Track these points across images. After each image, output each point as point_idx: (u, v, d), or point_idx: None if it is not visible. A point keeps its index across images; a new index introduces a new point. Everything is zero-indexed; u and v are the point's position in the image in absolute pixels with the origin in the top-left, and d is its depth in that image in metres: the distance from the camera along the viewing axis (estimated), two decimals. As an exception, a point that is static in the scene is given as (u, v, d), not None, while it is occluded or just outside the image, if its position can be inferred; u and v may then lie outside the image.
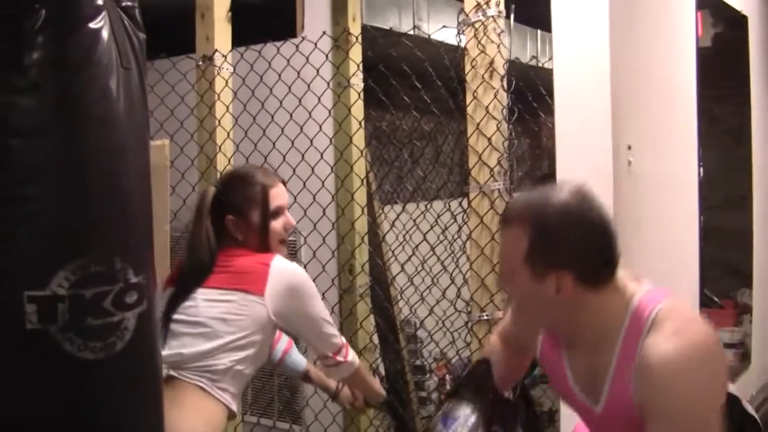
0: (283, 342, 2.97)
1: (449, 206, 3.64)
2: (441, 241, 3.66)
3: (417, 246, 3.73)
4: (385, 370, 4.35)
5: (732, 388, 1.98)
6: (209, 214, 2.55)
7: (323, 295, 3.68)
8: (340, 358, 2.64)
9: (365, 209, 3.86)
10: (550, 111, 3.19)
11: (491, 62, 3.12)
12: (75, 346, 1.67)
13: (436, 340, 3.62)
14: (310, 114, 3.72)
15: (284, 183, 2.66)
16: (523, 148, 4.33)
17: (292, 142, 3.74)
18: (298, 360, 3.01)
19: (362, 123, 3.78)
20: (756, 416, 2.06)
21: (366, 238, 3.86)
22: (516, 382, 2.46)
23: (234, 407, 2.44)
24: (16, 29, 1.60)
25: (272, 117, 3.81)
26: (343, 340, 2.67)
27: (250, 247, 2.53)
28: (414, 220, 3.78)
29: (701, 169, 4.22)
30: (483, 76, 3.11)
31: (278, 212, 2.57)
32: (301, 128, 3.72)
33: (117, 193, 1.75)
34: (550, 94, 3.15)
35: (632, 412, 1.83)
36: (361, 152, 3.77)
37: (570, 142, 3.07)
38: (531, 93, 3.41)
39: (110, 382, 1.76)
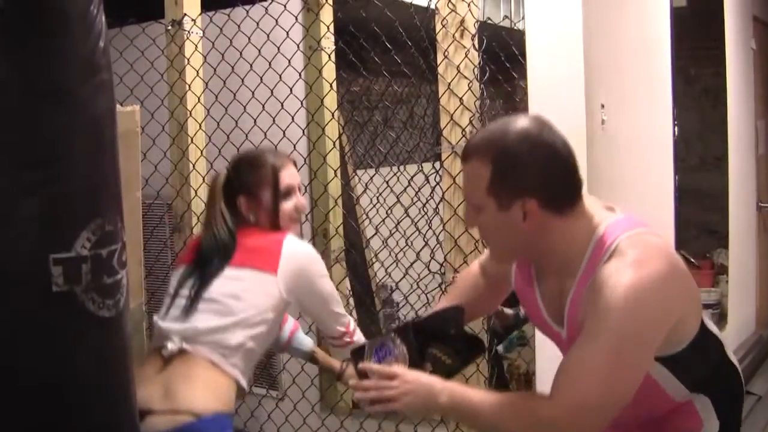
0: (290, 323, 3.00)
1: (422, 168, 3.62)
2: (414, 203, 3.65)
3: (391, 209, 3.71)
4: (362, 334, 4.35)
5: (714, 328, 1.99)
6: (222, 196, 2.61)
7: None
8: (347, 339, 2.70)
9: (338, 172, 3.83)
10: (523, 73, 3.17)
11: (462, 21, 3.10)
12: (96, 305, 1.71)
13: (411, 302, 3.61)
14: (280, 77, 3.69)
15: (295, 164, 2.71)
16: (497, 109, 4.29)
17: (263, 106, 3.72)
18: (305, 341, 3.06)
19: (333, 85, 3.75)
20: (736, 363, 2.07)
21: (340, 201, 3.84)
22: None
23: (244, 383, 2.47)
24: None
25: (243, 81, 3.78)
26: (351, 319, 2.74)
27: (262, 226, 2.60)
28: (387, 183, 3.76)
29: (676, 129, 4.22)
30: (454, 36, 3.10)
31: (289, 192, 2.63)
32: (272, 91, 3.69)
33: (116, 154, 1.79)
34: (523, 55, 3.13)
35: None
36: (333, 114, 3.74)
37: (543, 101, 3.05)
38: (504, 54, 3.39)
39: (119, 338, 1.81)
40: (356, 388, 2.02)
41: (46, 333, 1.67)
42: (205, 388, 2.36)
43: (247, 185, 2.61)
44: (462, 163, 1.95)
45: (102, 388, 1.78)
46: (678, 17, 4.34)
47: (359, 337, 2.73)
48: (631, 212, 1.99)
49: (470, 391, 1.93)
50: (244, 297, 2.43)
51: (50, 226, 1.65)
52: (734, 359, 2.08)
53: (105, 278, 1.72)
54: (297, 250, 2.53)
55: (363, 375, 2.04)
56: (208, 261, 2.52)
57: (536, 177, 1.82)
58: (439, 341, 2.17)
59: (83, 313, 1.69)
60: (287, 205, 2.62)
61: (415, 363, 2.08)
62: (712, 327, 1.99)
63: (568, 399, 1.77)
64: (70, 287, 1.66)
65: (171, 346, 2.38)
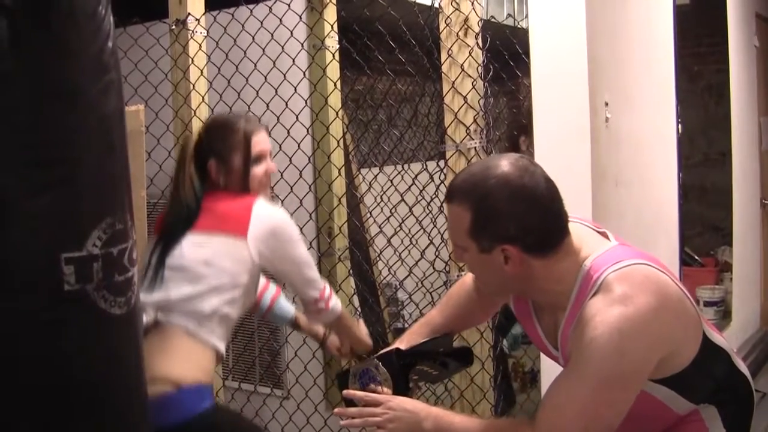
0: (272, 290, 2.99)
1: (426, 166, 3.62)
2: (419, 201, 3.65)
3: (395, 207, 3.72)
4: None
5: (721, 340, 1.98)
6: (192, 160, 2.58)
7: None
8: (321, 305, 2.64)
9: (342, 171, 3.84)
10: (526, 71, 3.17)
11: (466, 20, 3.09)
12: (107, 303, 1.73)
13: (416, 301, 3.61)
14: (284, 76, 3.69)
15: (267, 130, 2.69)
16: (500, 107, 4.30)
17: (267, 105, 3.71)
18: (287, 308, 3.02)
19: (337, 84, 3.76)
20: (744, 371, 2.05)
21: (344, 200, 3.84)
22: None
23: (222, 349, 2.46)
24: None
25: (247, 80, 3.78)
26: (327, 285, 2.68)
27: (232, 191, 2.56)
28: (392, 181, 3.77)
29: (680, 126, 4.22)
30: (457, 34, 3.09)
31: (260, 158, 2.60)
32: (276, 91, 3.69)
33: (125, 153, 1.81)
34: (527, 53, 3.13)
35: None
36: (337, 113, 3.74)
37: (547, 98, 3.06)
38: (507, 52, 3.39)
39: (130, 336, 1.84)
40: (341, 414, 2.05)
41: (58, 331, 1.68)
42: (183, 359, 2.36)
43: (219, 149, 2.58)
44: (446, 202, 1.95)
45: (113, 385, 1.79)
46: (681, 14, 4.34)
47: (335, 304, 2.69)
48: (624, 239, 1.99)
49: (455, 417, 1.97)
50: (214, 263, 2.41)
51: (61, 225, 1.66)
52: (742, 366, 2.05)
53: (116, 276, 1.73)
54: (267, 214, 2.49)
55: (348, 402, 2.07)
56: (172, 227, 2.50)
57: (515, 226, 1.81)
58: (426, 360, 2.19)
59: (95, 311, 1.70)
60: (258, 170, 2.60)
61: (400, 388, 2.09)
62: (717, 339, 1.96)
63: (549, 430, 1.80)
64: (82, 286, 1.67)
65: (146, 318, 2.35)
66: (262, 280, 2.86)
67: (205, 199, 2.53)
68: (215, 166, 2.57)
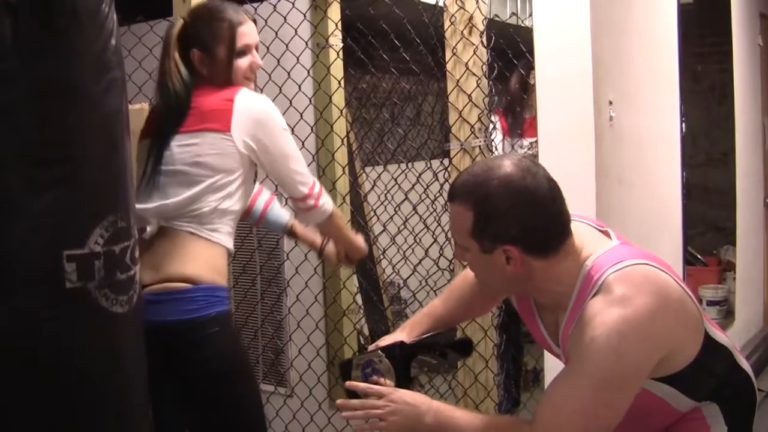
0: (264, 195, 2.91)
1: (430, 165, 3.63)
2: (422, 200, 3.65)
3: (399, 206, 3.72)
4: (370, 331, 4.36)
5: (723, 338, 1.98)
6: (176, 47, 2.49)
7: (305, 256, 3.69)
8: (311, 201, 2.54)
9: (346, 169, 3.84)
10: (530, 70, 3.17)
11: (470, 18, 3.10)
12: (109, 301, 1.74)
13: (420, 299, 3.61)
14: (288, 74, 3.69)
15: (255, 22, 2.58)
16: (503, 106, 4.30)
17: (272, 103, 3.71)
18: (280, 213, 2.94)
19: (341, 83, 3.76)
20: (747, 369, 2.05)
21: (348, 198, 3.85)
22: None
23: (229, 245, 2.43)
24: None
25: (251, 78, 3.76)
26: (317, 182, 2.58)
27: (216, 83, 2.47)
28: (396, 180, 3.77)
29: (684, 125, 4.21)
30: (462, 33, 3.10)
31: (245, 51, 2.50)
32: (280, 89, 3.69)
33: (128, 151, 1.83)
34: (531, 52, 3.13)
35: None
36: (341, 112, 3.74)
37: (551, 97, 3.05)
38: (512, 52, 3.39)
39: (131, 334, 1.85)
40: (343, 407, 2.04)
41: (59, 329, 1.68)
42: (196, 259, 2.34)
43: (203, 38, 2.47)
44: (448, 202, 1.95)
45: (115, 383, 1.80)
46: (684, 14, 4.33)
47: (326, 201, 2.58)
48: (626, 237, 1.99)
49: (456, 411, 1.96)
50: (204, 162, 2.36)
51: (63, 222, 1.67)
52: (745, 365, 2.05)
53: (118, 274, 1.74)
54: (250, 104, 2.41)
55: (350, 392, 2.07)
56: (162, 125, 2.43)
57: (517, 226, 1.82)
58: (427, 352, 2.20)
59: (96, 309, 1.71)
60: (243, 63, 2.49)
61: (402, 381, 2.10)
62: (719, 336, 1.96)
63: (547, 429, 1.81)
64: (84, 284, 1.68)
65: (150, 228, 2.34)
66: (256, 186, 2.76)
67: (193, 94, 2.44)
68: (199, 56, 2.48)
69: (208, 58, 2.47)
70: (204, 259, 2.36)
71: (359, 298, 4.05)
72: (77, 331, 1.70)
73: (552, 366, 3.02)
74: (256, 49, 2.56)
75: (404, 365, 2.12)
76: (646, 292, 1.78)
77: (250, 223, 3.17)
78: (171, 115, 2.42)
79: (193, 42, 2.48)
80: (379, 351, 2.14)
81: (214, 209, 2.37)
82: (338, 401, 2.10)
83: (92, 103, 1.69)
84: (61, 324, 1.68)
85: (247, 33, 2.51)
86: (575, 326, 1.83)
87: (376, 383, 2.07)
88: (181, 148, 2.37)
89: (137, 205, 2.21)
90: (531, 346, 4.49)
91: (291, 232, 2.95)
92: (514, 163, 1.85)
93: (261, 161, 2.45)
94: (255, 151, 2.41)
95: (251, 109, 2.41)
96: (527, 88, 3.99)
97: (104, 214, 1.71)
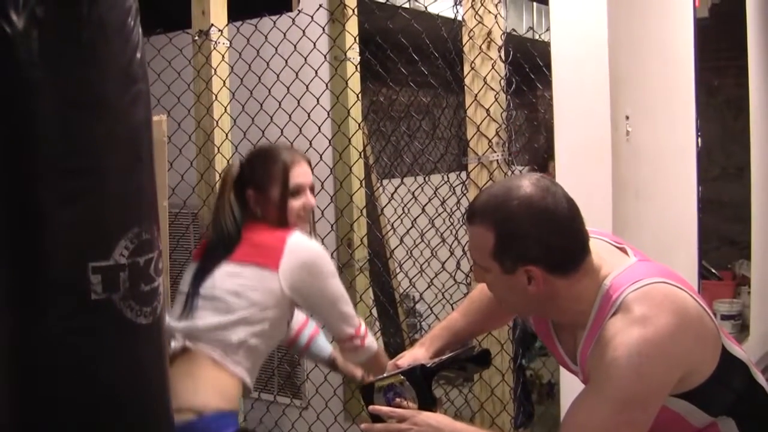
0: (310, 328, 2.96)
1: (447, 178, 3.64)
2: (439, 214, 3.66)
3: (415, 219, 3.73)
4: (385, 344, 4.36)
5: (740, 352, 1.98)
6: (232, 188, 2.58)
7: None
8: (357, 342, 2.61)
9: (363, 182, 3.85)
10: (547, 84, 3.18)
11: (489, 33, 3.11)
12: (133, 313, 1.73)
13: (436, 313, 3.62)
14: (307, 87, 3.71)
15: (310, 163, 2.67)
16: (521, 120, 4.31)
17: (290, 116, 3.74)
18: (324, 346, 3.00)
19: (359, 96, 3.78)
20: (763, 383, 2.04)
21: (364, 212, 3.86)
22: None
23: (248, 381, 2.45)
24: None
25: (269, 91, 3.80)
26: (362, 322, 2.66)
27: (269, 222, 2.55)
28: (413, 193, 3.78)
29: (700, 140, 4.21)
30: (480, 47, 3.11)
31: (298, 191, 2.58)
32: (299, 102, 3.71)
33: (152, 163, 1.82)
34: (548, 66, 3.13)
35: None
36: (359, 125, 3.76)
37: (568, 112, 3.06)
38: (528, 65, 3.40)
39: (155, 346, 1.83)
40: (368, 431, 2.04)
41: (83, 340, 1.69)
42: (208, 386, 2.36)
43: (257, 179, 2.57)
44: (467, 223, 1.96)
45: (138, 395, 1.80)
46: (700, 28, 4.34)
47: (371, 341, 2.66)
48: (645, 253, 1.99)
49: None
50: (244, 294, 2.40)
51: (89, 234, 1.67)
52: (761, 379, 2.03)
53: (142, 286, 1.74)
54: (301, 246, 2.47)
55: (374, 417, 2.08)
56: (210, 255, 2.51)
57: (538, 247, 1.82)
58: (447, 367, 2.20)
59: (121, 320, 1.71)
60: (296, 203, 2.56)
61: (425, 403, 2.10)
62: (736, 351, 1.95)
63: None
64: (109, 295, 1.68)
65: (174, 344, 2.37)
66: (302, 316, 2.86)
67: (245, 229, 2.53)
68: (253, 196, 2.57)
69: (262, 198, 2.56)
70: (217, 387, 2.38)
71: (375, 311, 4.05)
72: (102, 343, 1.70)
73: (567, 380, 3.03)
74: (311, 190, 2.63)
75: (427, 386, 2.12)
76: (665, 312, 1.78)
77: (292, 352, 3.27)
78: (219, 250, 2.50)
79: (248, 182, 2.59)
80: (401, 375, 2.15)
81: (241, 342, 2.40)
82: (363, 425, 2.11)
83: (119, 115, 1.70)
84: (86, 335, 1.69)
85: (300, 173, 2.60)
86: (595, 346, 1.84)
87: (399, 406, 2.08)
88: (226, 276, 2.44)
89: (167, 319, 2.29)
90: (547, 359, 4.49)
91: (333, 365, 3.02)
92: (533, 182, 1.86)
93: (307, 303, 2.54)
94: (302, 293, 2.47)
95: (301, 252, 2.47)
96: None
97: (129, 226, 1.72)
